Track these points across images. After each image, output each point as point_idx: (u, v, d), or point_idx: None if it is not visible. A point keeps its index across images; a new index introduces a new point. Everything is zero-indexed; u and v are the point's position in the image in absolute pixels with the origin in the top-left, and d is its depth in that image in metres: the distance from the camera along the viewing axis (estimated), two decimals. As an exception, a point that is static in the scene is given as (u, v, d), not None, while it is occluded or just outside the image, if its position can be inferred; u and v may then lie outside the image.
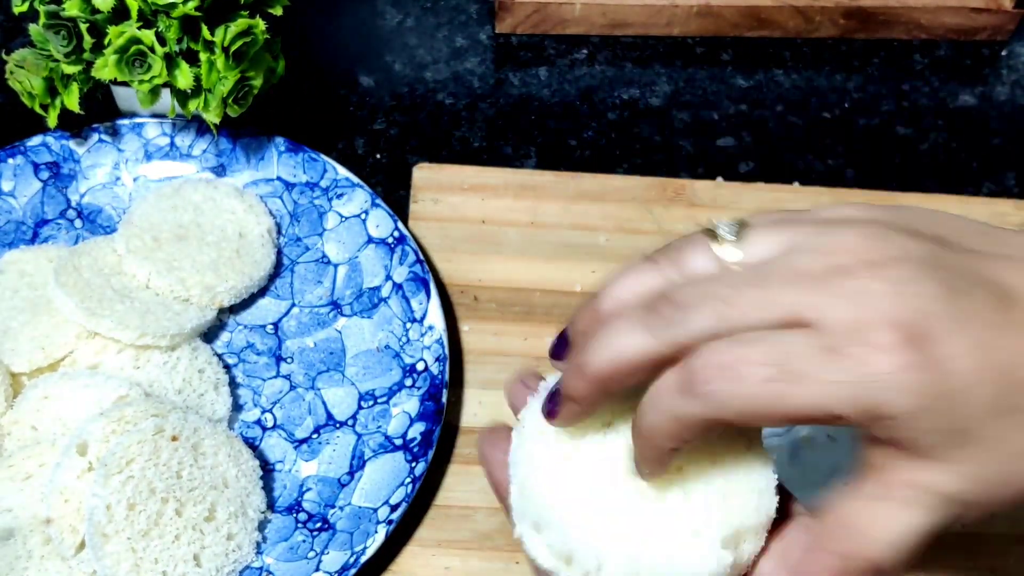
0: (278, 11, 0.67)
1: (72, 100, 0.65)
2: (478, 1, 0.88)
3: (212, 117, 0.65)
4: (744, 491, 0.36)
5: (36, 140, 0.71)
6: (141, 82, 0.63)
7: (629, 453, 0.37)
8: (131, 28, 0.62)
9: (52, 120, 0.66)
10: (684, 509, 0.36)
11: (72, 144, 0.71)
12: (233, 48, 0.63)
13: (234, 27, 0.62)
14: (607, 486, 0.37)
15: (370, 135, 0.79)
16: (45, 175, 0.71)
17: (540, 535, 0.38)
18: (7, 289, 0.65)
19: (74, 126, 0.71)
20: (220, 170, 0.72)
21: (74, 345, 0.62)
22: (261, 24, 0.64)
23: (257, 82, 0.66)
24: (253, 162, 0.72)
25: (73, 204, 0.71)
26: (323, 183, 0.71)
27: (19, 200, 0.70)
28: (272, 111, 0.79)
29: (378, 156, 0.78)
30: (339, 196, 0.71)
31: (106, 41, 0.62)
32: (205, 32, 0.63)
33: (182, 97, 0.65)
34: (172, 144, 0.72)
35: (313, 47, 0.84)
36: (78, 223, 0.71)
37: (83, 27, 0.62)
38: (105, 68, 0.62)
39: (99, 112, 0.74)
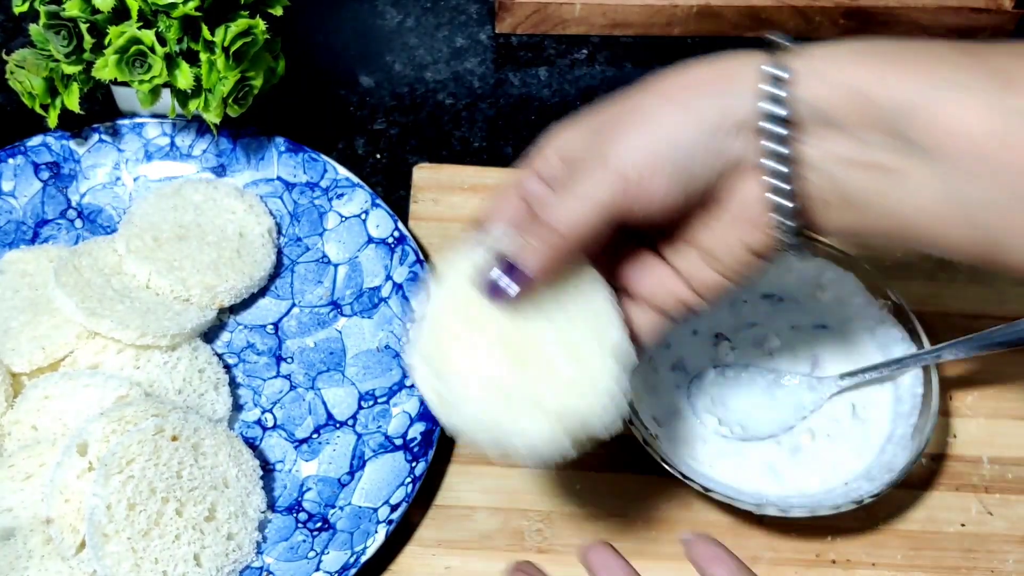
0: (278, 11, 0.67)
1: (72, 100, 0.65)
2: (478, 1, 0.88)
3: (212, 117, 0.65)
4: (597, 393, 0.45)
5: (36, 140, 0.71)
6: (141, 82, 0.63)
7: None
8: (131, 28, 0.62)
9: (52, 120, 0.66)
10: (545, 391, 0.44)
11: (72, 144, 0.71)
12: (233, 48, 0.63)
13: (234, 27, 0.63)
14: (497, 366, 0.44)
15: (370, 135, 0.79)
16: (45, 175, 0.71)
17: (429, 373, 0.45)
18: (8, 289, 0.65)
19: (74, 126, 0.71)
20: (220, 170, 0.72)
21: (74, 345, 0.62)
22: (261, 24, 0.64)
23: (257, 82, 0.66)
24: (253, 162, 0.72)
25: (73, 204, 0.71)
26: (323, 183, 0.71)
27: (19, 200, 0.70)
28: (272, 111, 0.79)
29: (378, 156, 0.78)
30: (339, 196, 0.71)
31: (106, 41, 0.62)
32: (205, 32, 0.63)
33: (182, 97, 0.65)
34: (172, 144, 0.72)
35: (313, 47, 0.85)
36: (78, 223, 0.71)
37: (83, 27, 0.62)
38: (105, 68, 0.63)
39: (99, 112, 0.74)
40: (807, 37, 0.86)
